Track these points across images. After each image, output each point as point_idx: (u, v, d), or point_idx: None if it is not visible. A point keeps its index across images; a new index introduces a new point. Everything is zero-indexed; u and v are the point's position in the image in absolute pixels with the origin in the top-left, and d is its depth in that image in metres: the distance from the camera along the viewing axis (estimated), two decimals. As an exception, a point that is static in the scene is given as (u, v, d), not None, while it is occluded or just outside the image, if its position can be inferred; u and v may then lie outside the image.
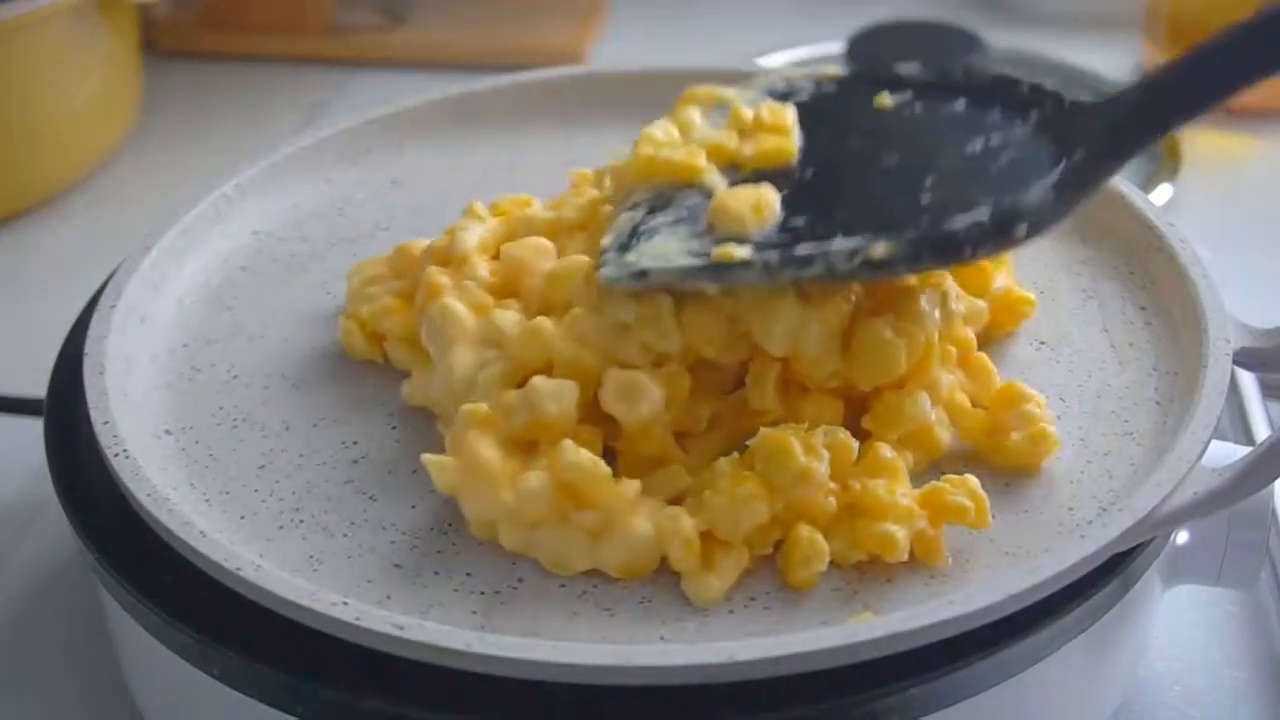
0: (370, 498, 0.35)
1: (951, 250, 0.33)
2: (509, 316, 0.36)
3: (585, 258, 0.36)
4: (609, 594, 0.32)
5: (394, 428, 0.37)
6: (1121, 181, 0.44)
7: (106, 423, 0.35)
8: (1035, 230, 0.34)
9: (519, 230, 0.40)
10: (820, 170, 0.37)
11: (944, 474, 0.34)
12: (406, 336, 0.38)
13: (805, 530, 0.32)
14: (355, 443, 0.37)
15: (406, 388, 0.37)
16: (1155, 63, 0.73)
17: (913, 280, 0.36)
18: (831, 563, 0.32)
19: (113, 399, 0.36)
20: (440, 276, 0.37)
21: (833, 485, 0.33)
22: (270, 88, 0.76)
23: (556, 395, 0.33)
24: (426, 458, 0.33)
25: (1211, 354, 0.36)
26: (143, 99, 0.72)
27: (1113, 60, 0.74)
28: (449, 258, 0.39)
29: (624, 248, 0.35)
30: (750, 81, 0.41)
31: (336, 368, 0.40)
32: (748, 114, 0.39)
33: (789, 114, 0.39)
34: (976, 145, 0.37)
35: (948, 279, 0.37)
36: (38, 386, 0.39)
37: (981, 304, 0.39)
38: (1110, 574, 0.32)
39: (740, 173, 0.37)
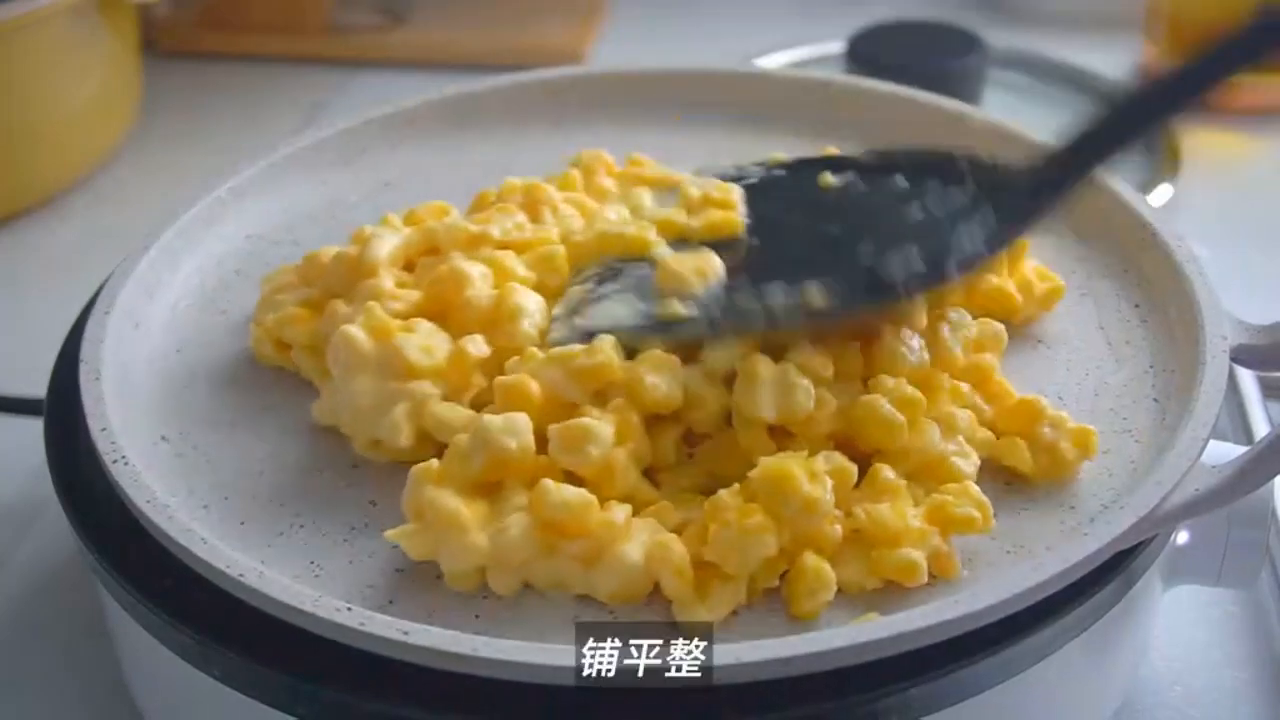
0: (371, 502, 0.35)
1: (884, 290, 0.36)
2: (419, 341, 0.36)
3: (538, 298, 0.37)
4: (610, 596, 0.32)
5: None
6: (1115, 180, 0.44)
7: (104, 429, 0.35)
8: (965, 267, 0.36)
9: (440, 243, 0.39)
10: (765, 240, 0.40)
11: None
12: (311, 345, 0.38)
13: (811, 560, 0.32)
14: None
15: (316, 408, 0.37)
16: (1155, 62, 0.73)
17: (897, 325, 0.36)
18: (842, 591, 0.32)
19: (109, 406, 0.36)
20: (341, 307, 0.37)
21: (837, 512, 0.33)
22: (270, 88, 0.76)
23: (512, 429, 0.33)
24: (390, 534, 0.32)
25: (1209, 351, 0.36)
26: (143, 99, 0.71)
27: (1113, 60, 0.74)
28: (358, 268, 0.39)
29: (574, 313, 0.37)
30: (701, 170, 0.44)
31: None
32: (695, 193, 0.41)
33: (736, 191, 0.41)
34: (915, 212, 0.39)
35: (945, 316, 0.37)
36: (38, 386, 0.39)
37: (999, 326, 0.38)
38: (1111, 573, 0.32)
39: (688, 246, 0.39)
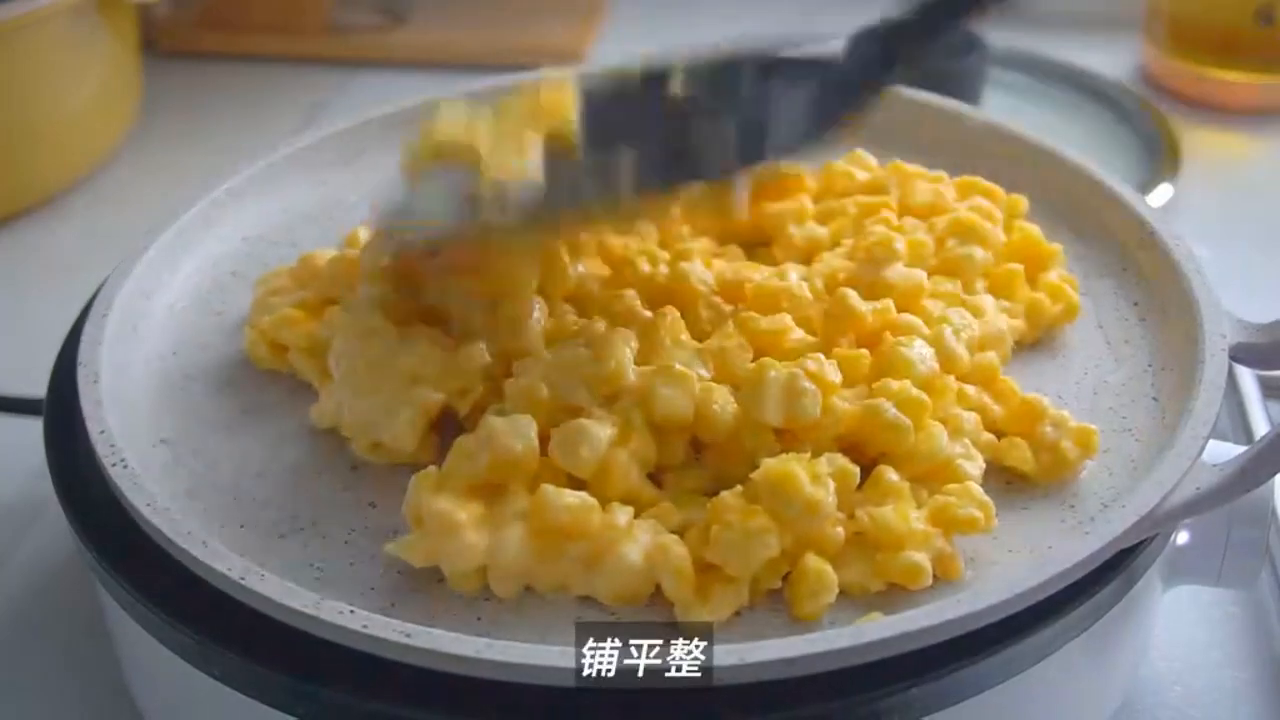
0: (370, 504, 0.35)
1: (695, 163, 0.35)
2: (421, 347, 0.36)
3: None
4: (613, 598, 0.32)
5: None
6: (1113, 180, 0.44)
7: (103, 432, 0.35)
8: (784, 154, 0.36)
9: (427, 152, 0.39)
10: (597, 140, 0.38)
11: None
12: (308, 348, 0.38)
13: (813, 562, 0.32)
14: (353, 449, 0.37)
15: (315, 411, 0.37)
16: (1156, 63, 0.73)
17: (900, 331, 0.36)
18: (844, 593, 0.32)
19: (108, 408, 0.36)
20: (342, 312, 0.37)
21: (839, 515, 0.32)
22: (270, 88, 0.76)
23: (517, 431, 0.33)
24: (390, 547, 0.32)
25: (1208, 349, 0.36)
26: (143, 99, 0.72)
27: (1113, 60, 0.74)
28: (355, 272, 0.39)
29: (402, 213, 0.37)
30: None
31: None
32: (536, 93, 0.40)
33: (570, 97, 0.39)
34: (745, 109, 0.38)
35: (949, 319, 0.37)
36: (38, 386, 0.39)
37: (1002, 323, 0.38)
38: (1111, 573, 0.32)
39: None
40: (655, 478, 0.34)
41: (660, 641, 0.30)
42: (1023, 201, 0.43)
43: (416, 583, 0.33)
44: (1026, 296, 0.40)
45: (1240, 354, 0.37)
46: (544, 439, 0.33)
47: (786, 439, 0.34)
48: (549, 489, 0.32)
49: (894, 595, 0.32)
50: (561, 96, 0.39)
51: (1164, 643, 0.42)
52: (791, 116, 0.36)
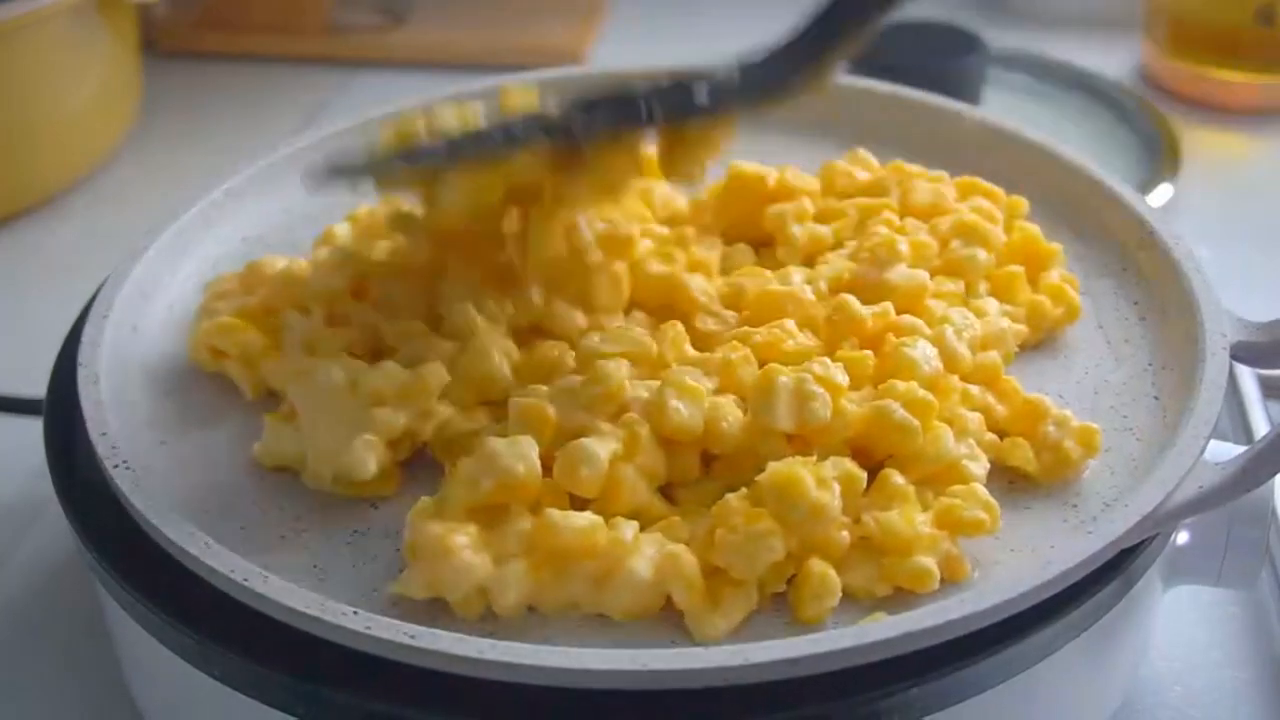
0: (372, 505, 0.35)
1: (631, 114, 0.36)
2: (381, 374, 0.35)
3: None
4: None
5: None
6: (1113, 179, 0.44)
7: (104, 434, 0.35)
8: (717, 106, 0.36)
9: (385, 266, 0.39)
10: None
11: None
12: (244, 356, 0.38)
13: (817, 565, 0.32)
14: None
15: (259, 449, 0.36)
16: (1156, 63, 0.73)
17: (903, 332, 0.36)
18: (849, 596, 0.32)
19: (108, 410, 0.36)
20: (314, 360, 0.36)
21: (844, 518, 0.32)
22: (270, 88, 0.76)
23: (519, 452, 0.32)
24: (396, 589, 0.32)
25: (1209, 348, 0.36)
26: (143, 99, 0.72)
27: (1113, 60, 0.74)
28: (303, 294, 0.38)
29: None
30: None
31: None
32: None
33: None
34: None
35: (951, 320, 0.37)
36: (38, 386, 0.39)
37: (1002, 323, 0.38)
38: (1112, 573, 0.32)
39: None
40: (668, 493, 0.34)
41: (669, 641, 0.30)
42: (1023, 203, 0.43)
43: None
44: (1028, 299, 0.40)
45: (1240, 353, 0.37)
46: (546, 459, 0.33)
47: (797, 444, 0.34)
48: (553, 513, 0.32)
49: (897, 595, 0.32)
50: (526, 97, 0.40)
51: (1164, 643, 0.42)
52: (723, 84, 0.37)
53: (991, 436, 0.35)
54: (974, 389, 0.36)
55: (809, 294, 0.38)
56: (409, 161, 0.36)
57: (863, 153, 0.45)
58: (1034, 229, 0.42)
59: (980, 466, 0.34)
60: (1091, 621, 0.33)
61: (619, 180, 0.37)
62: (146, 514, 0.33)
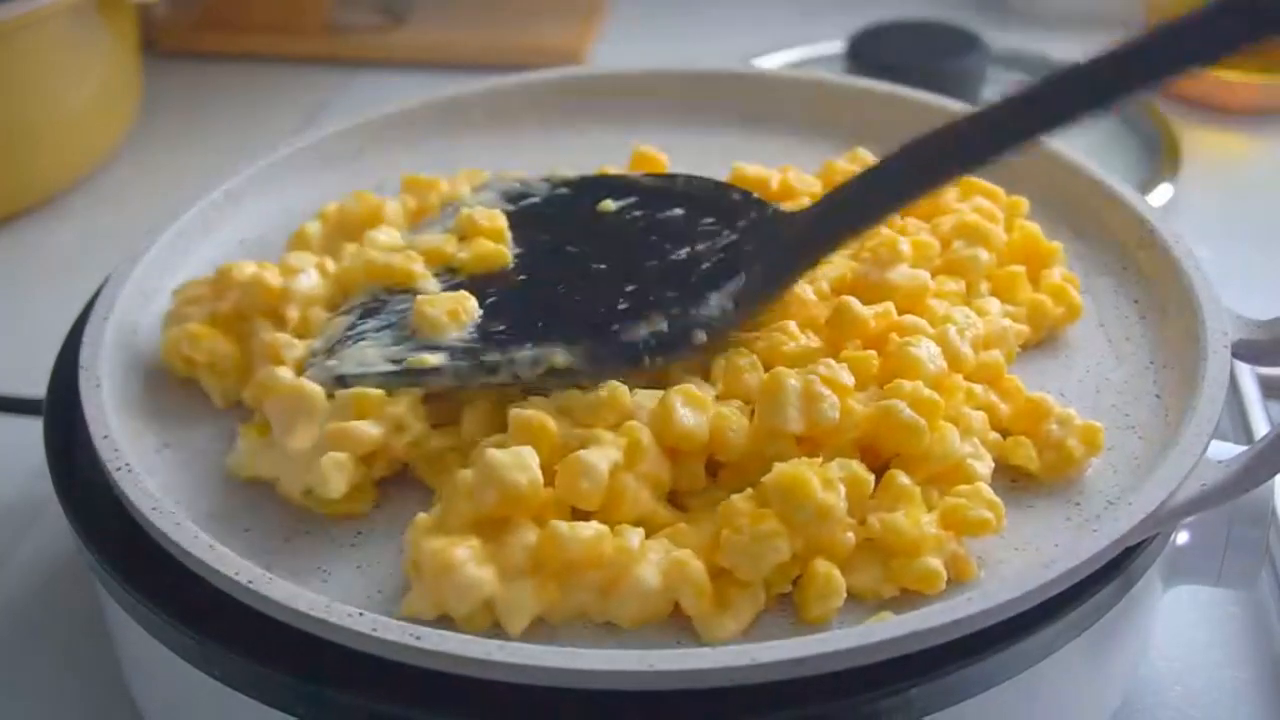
0: (375, 506, 0.35)
1: (630, 359, 0.36)
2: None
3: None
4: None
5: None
6: (1113, 179, 0.44)
7: (106, 437, 0.35)
8: (715, 338, 0.36)
9: (359, 274, 0.39)
10: (532, 275, 0.39)
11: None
12: (212, 365, 0.38)
13: (822, 566, 0.31)
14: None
15: (232, 462, 0.36)
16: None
17: (905, 329, 0.36)
18: (855, 597, 0.32)
19: (110, 413, 0.36)
20: (279, 370, 0.36)
21: (850, 520, 0.32)
22: (270, 88, 0.76)
23: (520, 464, 0.32)
24: (404, 612, 0.31)
25: (1210, 346, 0.36)
26: (143, 99, 0.71)
27: (1113, 60, 0.74)
28: (278, 303, 0.38)
29: (330, 352, 0.37)
30: (488, 184, 0.44)
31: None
32: (466, 218, 0.40)
33: (501, 219, 0.40)
34: (682, 252, 0.39)
35: (953, 318, 0.37)
36: (38, 386, 0.39)
37: (1004, 322, 0.38)
38: (1112, 573, 0.32)
39: (456, 277, 0.39)
40: (675, 500, 0.34)
41: (674, 642, 0.30)
42: (1024, 203, 0.43)
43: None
44: (1029, 298, 0.40)
45: (1241, 350, 0.37)
46: (548, 470, 0.33)
47: (805, 446, 0.34)
48: (558, 525, 0.31)
49: (902, 596, 0.32)
50: (492, 224, 0.40)
51: (1164, 643, 0.42)
52: (725, 292, 0.37)
53: (995, 435, 0.35)
54: (978, 388, 0.36)
55: (810, 294, 0.38)
56: (412, 383, 0.35)
57: (863, 152, 0.45)
58: (1034, 228, 0.42)
59: (985, 466, 0.34)
60: (1092, 621, 0.33)
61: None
62: (150, 518, 0.33)
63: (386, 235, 0.41)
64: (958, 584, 0.32)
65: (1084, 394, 0.38)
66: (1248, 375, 0.51)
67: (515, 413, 0.34)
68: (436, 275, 0.39)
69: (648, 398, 0.35)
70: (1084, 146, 0.46)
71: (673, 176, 0.42)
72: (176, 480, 0.36)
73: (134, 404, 0.38)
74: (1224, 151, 0.69)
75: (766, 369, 0.35)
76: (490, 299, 0.38)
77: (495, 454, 0.32)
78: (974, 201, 0.42)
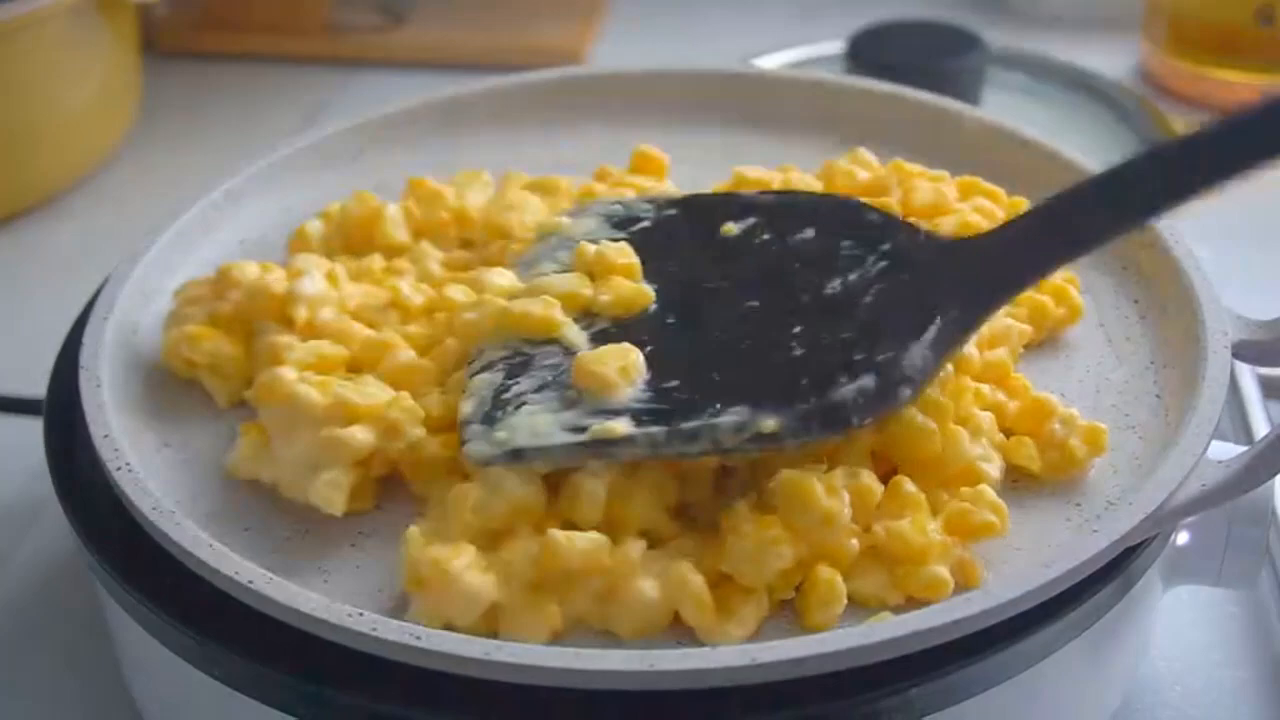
0: (377, 507, 0.35)
1: (840, 421, 0.32)
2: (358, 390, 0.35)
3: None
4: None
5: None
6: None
7: (107, 436, 0.35)
8: (917, 392, 0.33)
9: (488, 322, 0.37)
10: (679, 317, 0.36)
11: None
12: (213, 365, 0.38)
13: (825, 572, 0.31)
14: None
15: (232, 461, 0.35)
16: (1156, 63, 0.73)
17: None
18: (861, 604, 0.32)
19: (111, 413, 0.36)
20: (283, 372, 0.35)
21: (854, 526, 0.32)
22: (270, 88, 0.76)
23: (526, 476, 0.32)
24: (408, 618, 0.31)
25: (1210, 346, 0.36)
26: (143, 99, 0.71)
27: (1113, 60, 0.74)
28: (281, 305, 0.38)
29: (490, 419, 0.33)
30: (585, 209, 0.40)
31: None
32: (591, 253, 0.37)
33: (632, 254, 0.37)
34: (835, 284, 0.35)
35: None
36: (38, 386, 0.39)
37: (1008, 320, 0.38)
38: (1112, 573, 0.32)
39: (596, 320, 0.36)
40: (684, 509, 0.34)
41: (674, 642, 0.30)
42: (1024, 203, 0.43)
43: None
44: (1030, 299, 0.39)
45: (1241, 351, 0.37)
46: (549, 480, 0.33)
47: (815, 453, 0.34)
48: (558, 535, 0.31)
49: (907, 601, 0.32)
50: (625, 259, 0.37)
51: (1164, 643, 0.42)
52: (919, 351, 0.33)
53: (999, 436, 0.35)
54: (985, 388, 0.36)
55: None
56: (600, 456, 0.32)
57: (863, 152, 0.45)
58: None
59: (995, 468, 0.34)
60: (1092, 621, 0.33)
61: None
62: (150, 517, 0.33)
63: (503, 278, 0.37)
64: (963, 589, 0.32)
65: (1084, 394, 0.38)
66: (1248, 375, 0.51)
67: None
68: (576, 321, 0.36)
69: None
70: (1084, 147, 0.46)
71: (793, 194, 0.40)
72: (177, 480, 0.36)
73: (134, 404, 0.38)
74: (1224, 151, 0.69)
75: None
76: (647, 348, 0.34)
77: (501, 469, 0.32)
78: (975, 202, 0.42)
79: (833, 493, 0.32)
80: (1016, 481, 0.35)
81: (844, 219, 0.37)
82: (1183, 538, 0.37)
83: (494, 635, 0.31)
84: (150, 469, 0.35)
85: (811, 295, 0.35)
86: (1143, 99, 0.69)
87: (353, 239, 0.43)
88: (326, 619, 0.30)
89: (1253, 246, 0.60)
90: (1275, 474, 0.33)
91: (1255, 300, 0.42)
